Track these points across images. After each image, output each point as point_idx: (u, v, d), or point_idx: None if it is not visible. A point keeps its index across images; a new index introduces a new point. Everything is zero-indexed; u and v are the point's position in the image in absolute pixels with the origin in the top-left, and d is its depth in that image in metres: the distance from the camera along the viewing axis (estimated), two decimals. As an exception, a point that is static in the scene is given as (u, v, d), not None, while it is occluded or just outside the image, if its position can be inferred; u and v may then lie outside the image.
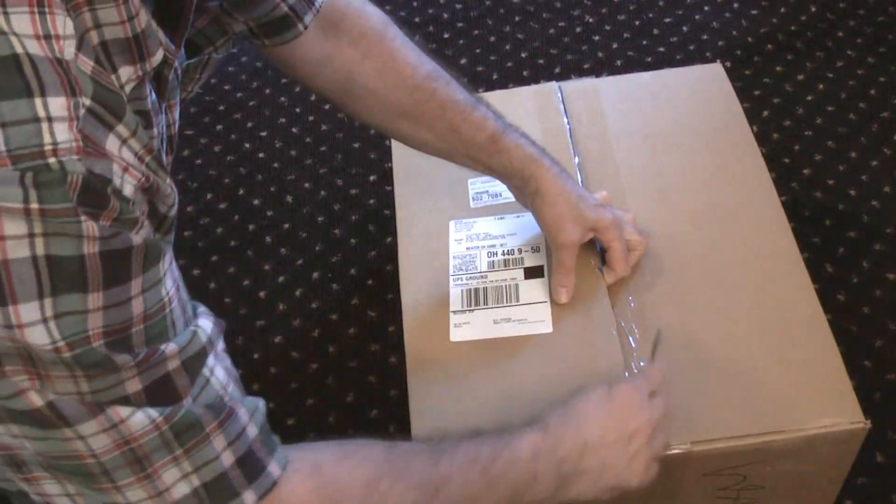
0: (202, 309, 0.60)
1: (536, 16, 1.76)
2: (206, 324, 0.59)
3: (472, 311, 0.96)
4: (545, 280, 0.96)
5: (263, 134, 1.60)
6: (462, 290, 0.97)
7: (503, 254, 1.00)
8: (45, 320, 0.48)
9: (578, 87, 1.16)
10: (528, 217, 0.99)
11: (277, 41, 0.84)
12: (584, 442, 0.73)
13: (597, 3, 1.77)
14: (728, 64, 1.63)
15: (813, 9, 1.72)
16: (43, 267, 0.47)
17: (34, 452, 0.54)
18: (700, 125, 1.11)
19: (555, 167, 0.91)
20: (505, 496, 0.70)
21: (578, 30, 1.73)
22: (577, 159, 1.07)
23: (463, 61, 1.69)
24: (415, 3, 1.80)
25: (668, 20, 1.73)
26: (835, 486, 0.95)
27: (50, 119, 0.46)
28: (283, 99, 1.65)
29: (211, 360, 0.58)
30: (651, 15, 1.74)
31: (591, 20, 1.74)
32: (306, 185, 1.52)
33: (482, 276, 0.98)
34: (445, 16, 1.78)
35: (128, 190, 0.50)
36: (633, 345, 0.91)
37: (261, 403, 0.62)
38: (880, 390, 1.20)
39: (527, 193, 0.93)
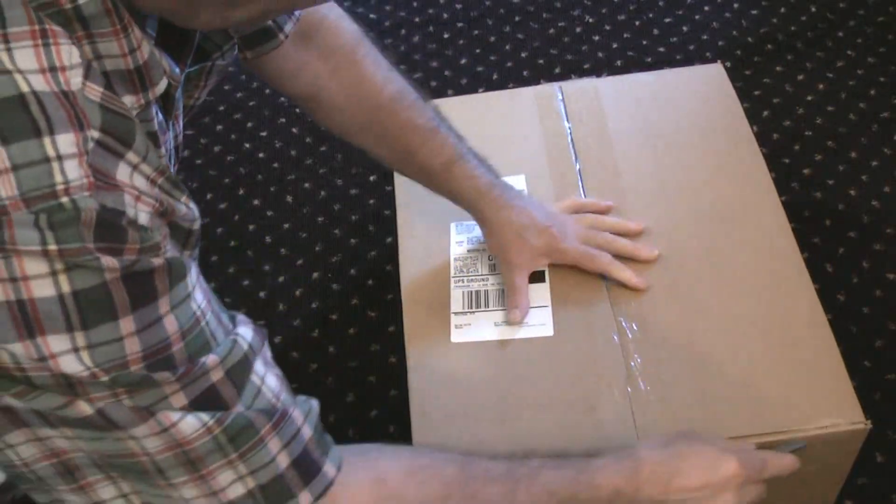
0: (241, 317, 0.60)
1: (536, 16, 1.76)
2: (245, 331, 0.59)
3: (474, 312, 0.96)
4: (546, 284, 0.96)
5: (263, 134, 1.60)
6: (463, 292, 0.98)
7: None
8: (76, 350, 0.48)
9: (579, 87, 1.16)
10: None
11: (259, 52, 0.84)
12: (664, 499, 0.72)
13: (597, 3, 1.77)
14: (728, 64, 1.63)
15: (813, 9, 1.72)
16: (70, 303, 0.47)
17: (89, 452, 0.54)
18: (700, 125, 1.11)
19: (502, 197, 0.94)
20: None
21: (578, 30, 1.73)
22: (577, 165, 1.07)
23: (463, 61, 1.69)
24: (415, 3, 1.80)
25: (668, 20, 1.73)
26: (835, 486, 0.95)
27: (60, 157, 0.46)
28: (283, 99, 1.65)
29: (260, 368, 0.58)
30: (651, 15, 1.74)
31: (591, 20, 1.74)
32: (306, 185, 1.52)
33: (483, 279, 0.98)
34: (445, 16, 1.78)
35: (143, 218, 0.49)
36: (633, 346, 0.91)
37: (314, 404, 0.62)
38: (880, 390, 1.20)
39: (476, 221, 0.97)
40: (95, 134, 0.48)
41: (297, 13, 0.84)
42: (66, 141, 0.46)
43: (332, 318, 1.35)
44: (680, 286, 0.95)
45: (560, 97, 1.14)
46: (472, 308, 0.96)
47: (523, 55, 1.69)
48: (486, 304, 0.96)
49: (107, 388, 0.50)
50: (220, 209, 1.50)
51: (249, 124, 1.62)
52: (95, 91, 0.48)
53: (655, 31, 1.71)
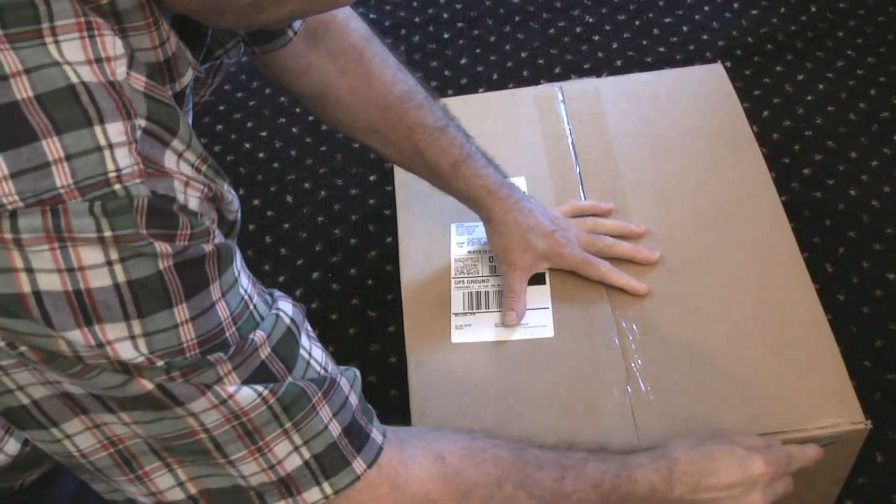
0: (278, 293, 0.61)
1: (536, 16, 1.76)
2: (286, 306, 0.60)
3: (474, 313, 0.96)
4: (547, 286, 0.97)
5: (263, 134, 1.60)
6: (464, 293, 0.98)
7: None
8: (132, 337, 0.49)
9: (579, 87, 1.16)
10: None
11: (267, 49, 0.84)
12: (693, 496, 0.75)
13: (597, 3, 1.77)
14: (728, 64, 1.63)
15: (813, 9, 1.72)
16: (126, 293, 0.48)
17: (146, 437, 0.54)
18: (700, 125, 1.11)
19: (511, 197, 0.94)
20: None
21: (578, 30, 1.73)
22: (578, 167, 1.07)
23: (463, 61, 1.69)
24: (415, 3, 1.80)
25: (668, 20, 1.73)
26: (835, 485, 0.95)
27: (111, 146, 0.47)
28: (283, 99, 1.65)
29: (305, 341, 0.60)
30: (651, 15, 1.74)
31: (591, 20, 1.74)
32: (306, 185, 1.52)
33: (484, 280, 0.98)
34: (445, 16, 1.78)
35: (193, 203, 0.50)
36: (634, 347, 0.91)
37: (357, 372, 0.64)
38: (880, 390, 1.20)
39: (482, 220, 0.97)
40: (142, 122, 0.48)
41: None
42: (116, 130, 0.47)
43: (332, 318, 1.35)
44: (680, 287, 0.95)
45: (560, 98, 1.14)
46: (472, 309, 0.96)
47: (523, 55, 1.69)
48: (487, 306, 0.96)
49: (164, 372, 0.51)
50: (220, 209, 1.50)
51: (249, 124, 1.62)
52: (140, 81, 0.49)
53: (655, 31, 1.71)
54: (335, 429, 0.59)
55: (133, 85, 0.49)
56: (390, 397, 1.23)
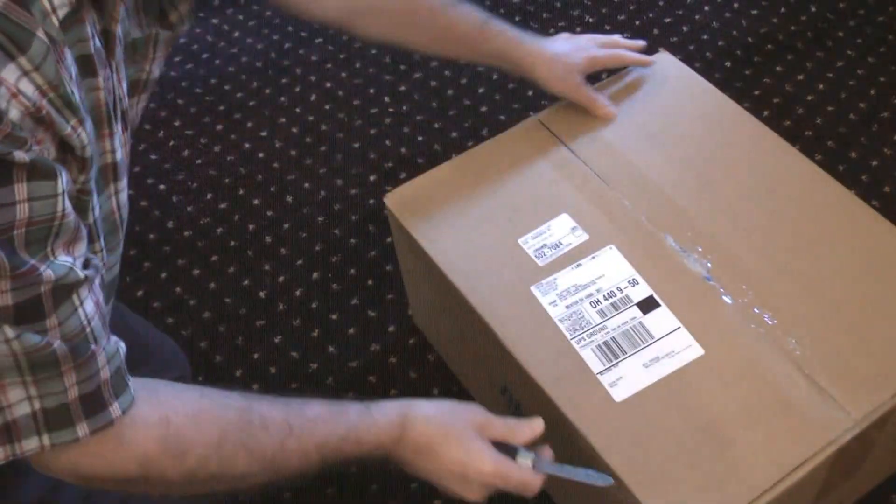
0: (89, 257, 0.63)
1: (536, 16, 1.76)
2: (86, 263, 0.62)
3: (617, 364, 0.91)
4: (664, 308, 0.93)
5: (263, 134, 1.60)
6: (593, 350, 0.92)
7: (605, 298, 0.95)
8: None
9: (553, 113, 1.14)
10: (602, 254, 0.98)
11: None
12: (414, 461, 0.79)
13: (597, 3, 1.77)
14: (728, 64, 1.63)
15: (813, 9, 1.72)
16: None
17: None
18: (689, 112, 1.12)
19: (536, 42, 1.09)
20: (328, 469, 0.76)
21: (578, 30, 1.73)
22: (606, 184, 1.04)
23: (463, 61, 1.69)
24: (415, 3, 1.80)
25: (668, 20, 1.73)
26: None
27: None
28: (283, 99, 1.65)
29: (84, 293, 0.61)
30: (651, 15, 1.74)
31: (591, 20, 1.74)
32: (306, 185, 1.52)
33: (601, 328, 0.93)
34: (445, 16, 1.78)
35: (13, 114, 0.52)
36: (780, 331, 0.90)
37: (121, 347, 0.66)
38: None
39: (523, 72, 1.09)
40: None
41: None
42: None
43: (332, 318, 1.35)
44: (800, 273, 0.95)
45: (543, 127, 1.12)
46: (612, 361, 0.91)
47: (523, 55, 1.69)
48: (623, 352, 0.91)
49: None
50: (220, 209, 1.50)
51: (249, 124, 1.62)
52: None
53: (655, 31, 1.71)
54: (73, 393, 0.61)
55: None
56: (390, 397, 1.23)
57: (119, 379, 0.65)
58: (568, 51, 1.10)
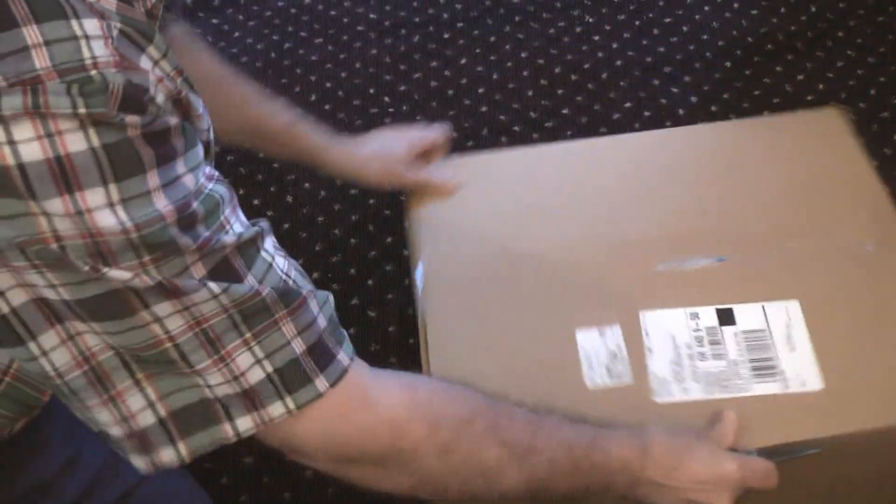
0: (256, 219, 0.63)
1: (536, 16, 1.76)
2: (257, 220, 0.62)
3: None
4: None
5: (263, 134, 1.60)
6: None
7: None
8: (111, 205, 0.50)
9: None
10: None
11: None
12: (664, 481, 0.74)
13: (597, 3, 1.77)
14: (728, 64, 1.64)
15: (813, 9, 1.72)
16: (102, 156, 0.50)
17: (117, 347, 0.56)
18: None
19: (345, 145, 1.04)
20: (578, 488, 0.72)
21: (578, 30, 1.73)
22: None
23: (463, 61, 1.69)
24: (415, 3, 1.80)
25: (667, 20, 1.73)
26: None
27: (87, 37, 0.49)
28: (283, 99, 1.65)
29: (269, 246, 0.61)
30: (651, 15, 1.74)
31: (591, 20, 1.75)
32: (306, 185, 1.52)
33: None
34: (445, 16, 1.78)
35: (160, 98, 0.52)
36: None
37: (330, 297, 0.65)
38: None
39: (339, 175, 1.06)
40: (117, 24, 0.51)
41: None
42: (92, 24, 0.50)
43: (333, 318, 1.35)
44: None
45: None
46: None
47: (523, 55, 1.69)
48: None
49: (135, 252, 0.52)
50: (220, 209, 1.50)
51: (249, 124, 1.62)
52: (110, 2, 0.52)
53: (655, 31, 1.71)
54: (299, 346, 0.60)
55: (104, 5, 0.52)
56: (390, 397, 1.23)
57: (335, 326, 0.64)
58: (382, 145, 1.05)
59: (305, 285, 0.62)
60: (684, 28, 1.72)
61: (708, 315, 0.91)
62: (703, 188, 1.01)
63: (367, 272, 1.40)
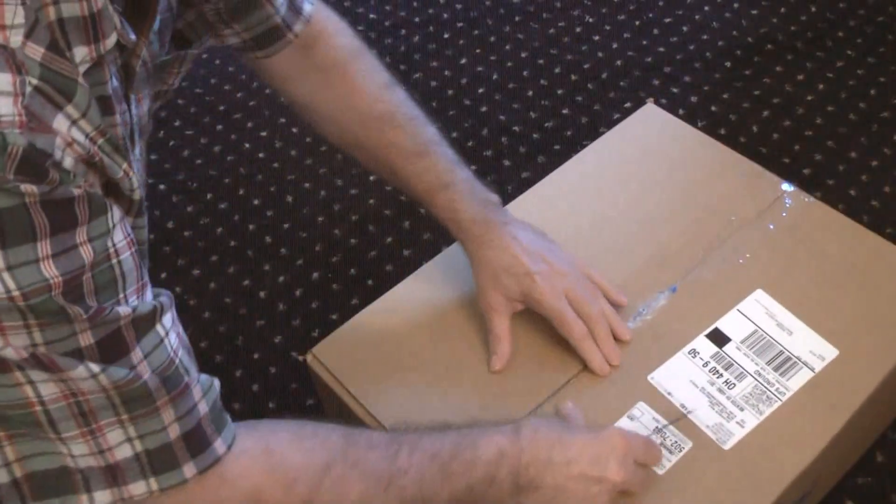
0: (159, 290, 0.62)
1: (536, 16, 1.76)
2: (157, 292, 0.61)
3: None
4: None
5: (263, 134, 1.60)
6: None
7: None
8: None
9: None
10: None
11: (270, 52, 0.85)
12: (548, 459, 0.73)
13: (597, 3, 1.77)
14: (728, 64, 1.63)
15: (813, 9, 1.72)
16: None
17: None
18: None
19: (485, 235, 0.89)
20: (460, 494, 0.70)
21: (578, 30, 1.73)
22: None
23: (463, 61, 1.69)
24: (415, 4, 1.80)
25: (668, 20, 1.73)
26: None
27: None
28: (283, 99, 1.65)
29: (167, 321, 0.60)
30: (651, 15, 1.74)
31: (591, 20, 1.75)
32: (306, 185, 1.52)
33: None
34: (445, 16, 1.78)
35: (67, 163, 0.51)
36: None
37: (216, 383, 0.64)
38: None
39: (466, 252, 0.93)
40: (34, 81, 0.49)
41: (304, 13, 0.85)
42: (3, 80, 0.48)
43: (332, 318, 1.35)
44: None
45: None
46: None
47: (523, 55, 1.69)
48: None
49: (21, 315, 0.51)
50: (220, 209, 1.50)
51: (249, 124, 1.62)
52: (36, 51, 0.50)
53: (655, 31, 1.71)
54: (174, 431, 0.59)
55: (28, 53, 0.49)
56: (390, 397, 1.23)
57: (218, 413, 0.63)
58: (512, 275, 0.88)
59: (191, 368, 0.61)
60: (684, 28, 1.72)
61: (703, 345, 0.90)
62: (602, 228, 1.00)
63: (367, 272, 1.40)
